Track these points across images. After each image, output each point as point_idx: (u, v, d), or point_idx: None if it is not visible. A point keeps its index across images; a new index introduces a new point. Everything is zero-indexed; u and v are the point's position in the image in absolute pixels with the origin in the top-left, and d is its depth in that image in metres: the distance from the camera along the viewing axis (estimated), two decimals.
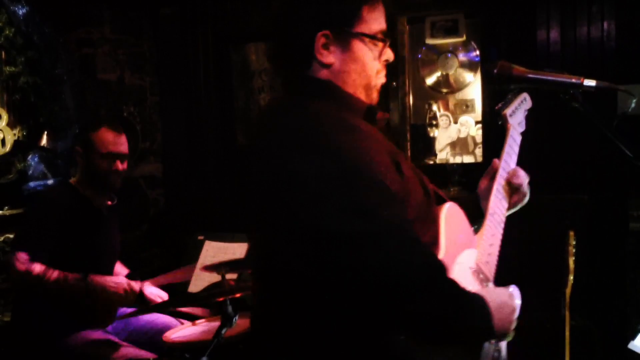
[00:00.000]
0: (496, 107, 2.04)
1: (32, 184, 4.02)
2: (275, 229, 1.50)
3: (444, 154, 5.42)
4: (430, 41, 5.16)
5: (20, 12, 4.02)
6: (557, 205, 3.95)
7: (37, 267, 2.93)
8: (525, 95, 2.10)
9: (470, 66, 5.36)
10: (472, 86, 5.41)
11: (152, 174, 5.12)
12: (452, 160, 5.34)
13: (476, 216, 1.89)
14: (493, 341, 1.67)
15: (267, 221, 1.52)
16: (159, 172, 5.18)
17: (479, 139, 5.28)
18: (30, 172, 4.04)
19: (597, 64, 4.06)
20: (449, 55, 5.35)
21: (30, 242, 2.98)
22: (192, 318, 3.32)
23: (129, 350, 2.98)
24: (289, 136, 1.48)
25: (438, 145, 5.45)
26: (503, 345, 1.73)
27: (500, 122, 2.04)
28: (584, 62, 4.10)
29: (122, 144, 3.16)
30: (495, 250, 1.82)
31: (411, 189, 1.59)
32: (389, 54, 1.68)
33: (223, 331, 2.63)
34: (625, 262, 3.86)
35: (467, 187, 4.78)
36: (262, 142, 1.56)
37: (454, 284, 1.48)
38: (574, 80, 1.87)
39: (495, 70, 1.91)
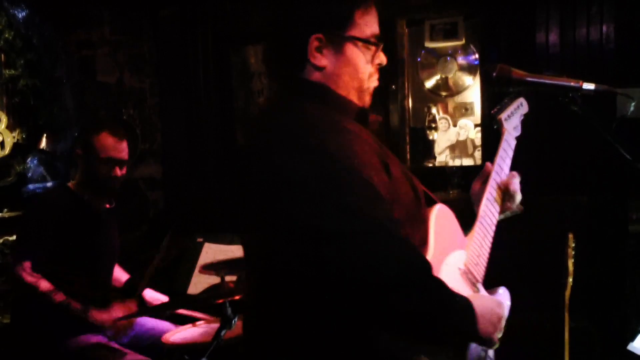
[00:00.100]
0: (492, 111, 2.05)
1: (31, 186, 4.02)
2: (265, 228, 1.52)
3: (443, 157, 5.43)
4: (429, 44, 5.17)
5: (20, 15, 4.02)
6: (557, 207, 3.95)
7: (44, 284, 2.94)
8: (521, 100, 2.11)
9: (469, 69, 5.37)
10: (472, 89, 5.42)
11: (151, 176, 5.12)
12: (451, 163, 5.34)
13: (470, 218, 1.90)
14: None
15: (257, 220, 1.55)
16: (158, 173, 5.18)
17: (478, 141, 5.28)
18: (30, 174, 4.04)
19: (596, 66, 4.06)
20: (448, 58, 5.36)
21: (34, 249, 2.98)
22: (191, 321, 3.31)
23: (128, 355, 2.98)
24: (279, 137, 1.51)
25: (437, 148, 5.46)
26: None
27: (495, 126, 2.05)
28: (583, 64, 4.10)
29: (122, 150, 3.16)
30: (485, 252, 1.83)
31: (400, 190, 1.61)
32: (382, 58, 1.70)
33: (222, 333, 2.63)
34: (624, 264, 3.86)
35: (467, 189, 4.73)
36: (255, 143, 1.60)
37: (439, 283, 1.49)
38: (572, 84, 1.88)
39: (494, 73, 1.91)
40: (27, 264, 2.95)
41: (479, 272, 1.78)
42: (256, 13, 4.80)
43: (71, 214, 3.10)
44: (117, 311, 3.04)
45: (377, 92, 1.75)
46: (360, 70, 1.66)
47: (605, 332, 3.75)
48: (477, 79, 5.25)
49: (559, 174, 4.13)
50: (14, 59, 4.02)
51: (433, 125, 5.45)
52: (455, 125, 5.44)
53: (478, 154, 5.26)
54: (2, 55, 3.96)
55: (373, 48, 1.67)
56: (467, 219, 1.86)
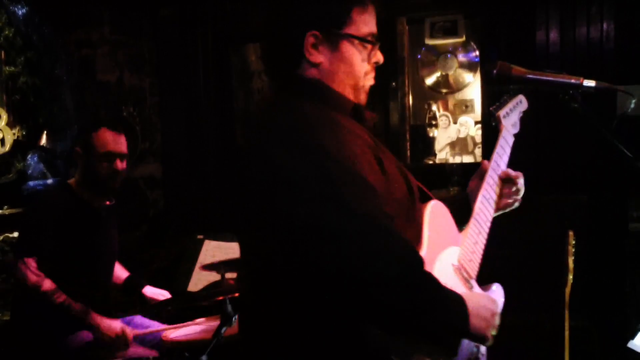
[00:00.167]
0: (490, 108, 2.05)
1: (31, 183, 4.01)
2: (260, 224, 1.53)
3: (443, 154, 5.43)
4: (429, 42, 5.18)
5: (20, 13, 4.02)
6: (557, 205, 3.95)
7: (47, 284, 2.94)
8: (521, 97, 2.11)
9: (469, 67, 5.37)
10: (472, 86, 5.42)
11: (151, 175, 5.12)
12: (451, 160, 5.35)
13: (467, 215, 1.90)
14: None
15: (253, 216, 1.56)
16: (158, 172, 5.18)
17: (478, 139, 5.29)
18: (30, 171, 4.04)
19: (596, 64, 4.07)
20: (449, 55, 5.37)
21: (36, 245, 2.99)
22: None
23: (132, 348, 2.99)
24: (273, 133, 1.52)
25: (437, 146, 5.46)
26: None
27: (494, 123, 2.05)
28: (583, 63, 4.10)
29: (121, 144, 3.17)
30: (479, 248, 1.83)
31: (393, 186, 1.62)
32: (378, 57, 1.72)
33: (222, 330, 2.63)
34: (624, 262, 3.86)
35: (467, 187, 4.78)
36: (250, 140, 1.62)
37: (431, 278, 1.49)
38: (573, 81, 1.87)
39: (494, 71, 1.91)
40: (31, 261, 2.95)
41: (473, 268, 1.79)
42: (256, 12, 4.80)
43: (71, 213, 3.10)
44: (118, 324, 3.03)
45: (377, 90, 1.76)
46: (356, 67, 1.67)
47: (605, 330, 3.76)
48: (478, 76, 5.25)
49: (558, 173, 4.13)
50: (13, 57, 4.01)
51: (433, 122, 5.46)
52: (455, 123, 5.45)
53: (478, 151, 5.27)
54: (2, 53, 3.95)
55: (369, 46, 1.68)
56: (460, 216, 1.86)
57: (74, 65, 4.45)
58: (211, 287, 3.12)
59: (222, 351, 2.65)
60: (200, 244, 4.04)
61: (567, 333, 2.70)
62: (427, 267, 1.53)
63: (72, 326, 3.02)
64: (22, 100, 4.05)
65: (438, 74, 5.45)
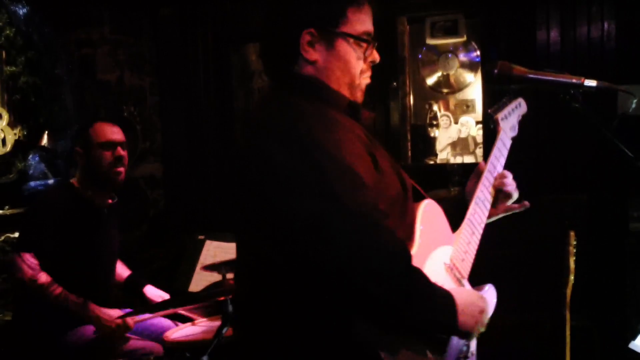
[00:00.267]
0: (489, 110, 2.05)
1: (32, 183, 4.01)
2: (254, 218, 1.57)
3: (444, 154, 5.43)
4: (430, 41, 5.17)
5: (21, 12, 4.02)
6: (557, 205, 3.95)
7: (43, 277, 2.95)
8: (520, 100, 2.11)
9: (470, 66, 5.37)
10: (473, 86, 5.42)
11: (152, 174, 5.12)
12: (452, 161, 5.34)
13: (463, 216, 1.90)
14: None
15: (247, 211, 1.60)
16: (158, 172, 5.18)
17: (479, 139, 5.28)
18: (31, 171, 4.04)
19: (597, 64, 4.07)
20: (450, 55, 5.36)
21: (34, 242, 3.00)
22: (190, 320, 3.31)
23: (132, 342, 3.00)
24: (268, 129, 1.55)
25: (439, 146, 5.46)
26: (472, 340, 1.74)
27: (492, 126, 2.06)
28: (583, 63, 4.10)
29: (117, 132, 3.22)
30: (472, 249, 1.84)
31: (386, 182, 1.63)
32: (374, 56, 1.74)
33: (224, 330, 2.63)
34: (625, 262, 3.86)
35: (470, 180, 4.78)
36: (246, 137, 1.64)
37: (419, 273, 1.51)
38: (574, 81, 1.87)
39: (495, 71, 1.91)
40: (27, 256, 2.97)
41: (465, 268, 1.80)
42: (256, 12, 4.80)
43: (73, 212, 3.11)
44: (118, 314, 3.04)
45: (378, 90, 1.77)
46: (352, 65, 1.70)
47: (605, 330, 3.76)
48: (479, 76, 5.25)
49: (559, 172, 4.13)
50: (14, 56, 4.01)
51: (434, 122, 5.46)
52: (456, 123, 5.44)
53: (479, 151, 5.26)
54: (3, 53, 3.95)
55: (365, 45, 1.70)
56: (457, 216, 1.87)
57: (74, 64, 4.45)
58: (212, 288, 3.12)
59: (223, 351, 2.65)
60: (201, 244, 4.04)
61: (568, 333, 2.70)
62: (418, 265, 1.55)
63: (73, 325, 3.02)
64: (22, 100, 4.05)
65: (439, 73, 5.45)
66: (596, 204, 3.96)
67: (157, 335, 3.16)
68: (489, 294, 1.81)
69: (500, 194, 1.96)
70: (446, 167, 5.08)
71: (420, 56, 5.43)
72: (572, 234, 2.78)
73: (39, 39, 4.12)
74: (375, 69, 1.78)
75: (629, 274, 3.83)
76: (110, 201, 3.26)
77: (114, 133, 3.20)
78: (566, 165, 4.12)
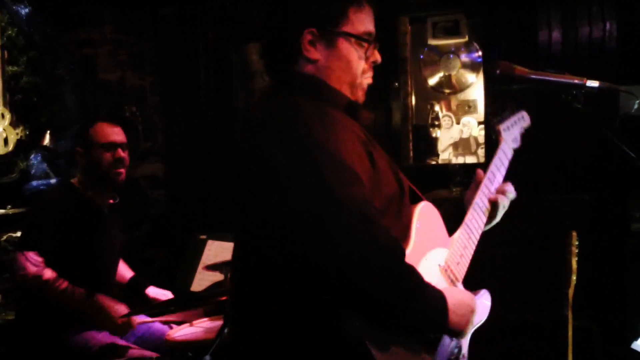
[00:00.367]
0: (491, 122, 2.06)
1: (34, 183, 4.02)
2: (254, 219, 1.58)
3: (446, 155, 5.43)
4: (432, 42, 5.17)
5: (23, 12, 4.02)
6: (559, 205, 3.95)
7: (48, 273, 2.95)
8: (523, 113, 2.13)
9: (472, 67, 5.36)
10: (475, 87, 5.41)
11: (153, 174, 5.12)
12: (454, 161, 5.34)
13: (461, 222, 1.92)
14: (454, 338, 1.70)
15: (246, 208, 1.61)
16: (160, 172, 5.18)
17: (481, 139, 5.28)
18: (33, 171, 4.05)
19: (598, 64, 4.06)
20: (451, 55, 5.36)
21: (36, 241, 3.00)
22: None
23: (133, 351, 2.99)
24: (267, 128, 1.57)
25: (440, 146, 5.46)
26: (464, 340, 1.75)
27: (494, 136, 2.07)
28: (584, 63, 4.10)
29: (119, 133, 3.21)
30: (468, 253, 1.85)
31: (383, 181, 1.64)
32: (376, 56, 1.76)
33: (226, 330, 2.64)
34: (626, 262, 3.86)
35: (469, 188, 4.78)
36: (244, 135, 1.66)
37: (412, 270, 1.52)
38: (576, 81, 1.87)
39: (497, 71, 1.91)
40: (31, 254, 2.97)
41: (460, 272, 1.80)
42: (257, 11, 4.80)
43: (74, 211, 3.11)
44: (124, 309, 3.03)
45: (379, 90, 1.77)
46: (353, 65, 1.71)
47: (606, 330, 3.76)
48: (481, 77, 5.25)
49: (560, 172, 4.13)
50: (16, 56, 4.02)
51: (436, 122, 5.45)
52: (458, 123, 5.44)
53: (481, 152, 5.26)
54: (5, 53, 3.96)
55: (366, 45, 1.72)
56: (456, 222, 1.87)
57: (75, 64, 4.46)
58: (214, 287, 3.12)
59: (225, 351, 2.65)
60: (203, 244, 4.04)
61: (570, 333, 2.70)
62: (412, 264, 1.55)
63: (76, 326, 3.02)
64: (24, 100, 4.05)
65: (441, 74, 5.45)
66: (597, 204, 3.96)
67: (160, 340, 3.15)
68: (484, 298, 1.82)
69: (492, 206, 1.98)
70: (448, 167, 5.07)
71: (421, 56, 5.43)
72: (574, 234, 2.78)
73: (40, 38, 4.13)
74: (376, 69, 1.79)
75: (630, 275, 3.83)
76: (111, 201, 3.26)
77: (115, 134, 3.19)
78: (568, 165, 4.12)
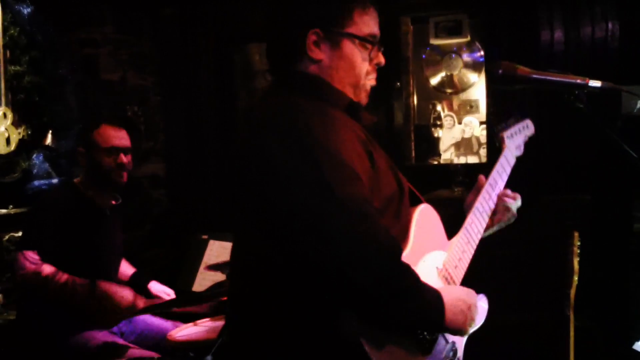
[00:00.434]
0: (495, 128, 2.07)
1: (36, 182, 4.02)
2: (254, 218, 1.58)
3: (448, 155, 5.43)
4: (434, 41, 5.17)
5: (25, 12, 4.02)
6: (560, 205, 3.95)
7: (47, 268, 2.94)
8: (527, 121, 2.14)
9: (474, 66, 5.36)
10: (477, 86, 5.42)
11: (155, 174, 5.12)
12: (456, 161, 5.34)
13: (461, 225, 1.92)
14: (451, 339, 1.70)
15: (246, 206, 1.62)
16: (161, 172, 5.18)
17: (483, 139, 5.28)
18: (35, 171, 4.04)
19: (600, 64, 4.06)
20: (453, 55, 5.36)
21: (37, 240, 3.00)
22: (194, 317, 3.31)
23: (133, 350, 2.99)
24: (267, 127, 1.57)
25: (442, 146, 5.46)
26: (460, 344, 1.76)
27: (497, 144, 2.08)
28: (586, 63, 4.10)
29: (123, 138, 3.19)
30: (467, 257, 1.85)
31: (383, 181, 1.65)
32: (380, 58, 1.77)
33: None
34: (628, 262, 3.86)
35: (471, 187, 4.77)
36: (244, 134, 1.67)
37: (408, 269, 1.52)
38: (579, 81, 1.87)
39: (500, 71, 1.91)
40: (30, 253, 2.95)
41: (458, 275, 1.81)
42: (258, 11, 4.80)
43: (75, 212, 3.11)
44: (130, 293, 3.01)
45: (381, 90, 1.77)
46: (357, 66, 1.72)
47: (608, 331, 3.75)
48: (483, 76, 5.25)
49: (562, 173, 4.13)
50: (18, 56, 4.01)
51: (438, 122, 5.45)
52: (460, 123, 5.44)
53: (483, 152, 5.26)
54: (7, 52, 3.95)
55: (370, 47, 1.73)
56: (457, 226, 1.88)
57: (77, 64, 4.46)
58: (215, 287, 3.12)
59: (223, 349, 2.65)
60: (204, 244, 4.04)
61: (572, 333, 2.70)
62: (411, 266, 1.55)
63: (77, 326, 3.02)
64: (26, 100, 4.05)
65: (443, 74, 5.45)
66: (599, 205, 3.96)
67: (163, 337, 3.15)
68: (481, 302, 1.82)
69: (499, 209, 1.99)
70: (450, 167, 5.08)
71: (423, 56, 5.43)
72: (576, 234, 2.78)
73: (42, 38, 4.13)
74: (379, 69, 1.80)
75: (632, 275, 3.83)
76: (113, 202, 3.26)
77: (119, 138, 3.17)
78: (569, 165, 4.12)
